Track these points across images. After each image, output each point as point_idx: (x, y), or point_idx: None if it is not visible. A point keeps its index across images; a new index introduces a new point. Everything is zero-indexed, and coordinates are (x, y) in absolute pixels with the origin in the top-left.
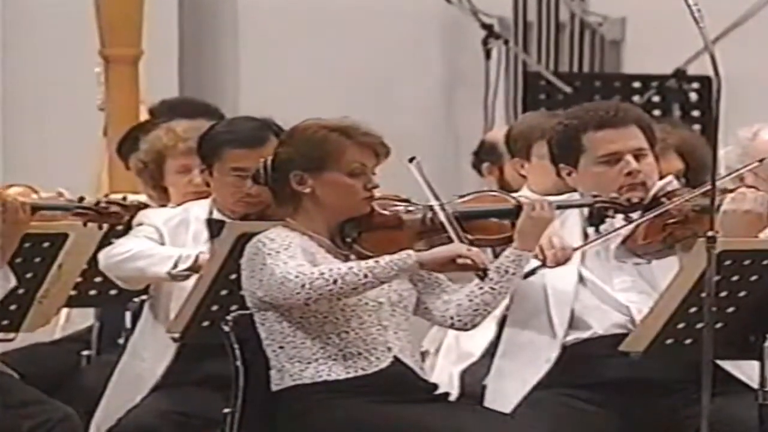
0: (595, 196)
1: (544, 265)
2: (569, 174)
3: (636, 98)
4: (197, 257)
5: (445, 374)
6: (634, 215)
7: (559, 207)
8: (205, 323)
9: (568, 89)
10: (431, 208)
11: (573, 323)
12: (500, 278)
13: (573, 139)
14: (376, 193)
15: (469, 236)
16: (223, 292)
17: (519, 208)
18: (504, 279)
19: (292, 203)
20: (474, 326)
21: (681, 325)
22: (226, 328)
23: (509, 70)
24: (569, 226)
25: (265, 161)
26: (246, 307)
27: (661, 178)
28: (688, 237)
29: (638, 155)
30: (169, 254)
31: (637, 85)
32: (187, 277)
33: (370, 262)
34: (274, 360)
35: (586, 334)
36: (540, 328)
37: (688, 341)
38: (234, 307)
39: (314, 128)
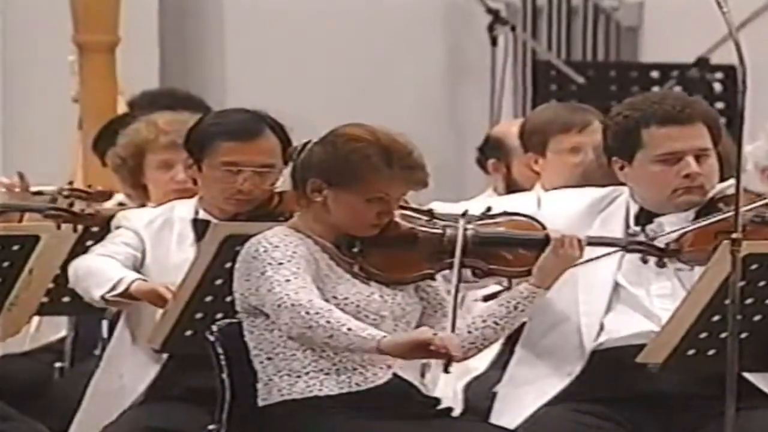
0: (631, 235)
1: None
2: (621, 168)
3: (654, 89)
4: (130, 284)
5: (448, 388)
6: (683, 221)
7: (590, 243)
8: (188, 333)
9: (580, 79)
10: (452, 225)
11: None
12: (507, 313)
13: (632, 132)
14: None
15: (483, 264)
16: (208, 299)
17: (546, 240)
18: (511, 315)
19: (303, 202)
20: (465, 358)
21: (703, 335)
22: (211, 338)
23: (517, 58)
24: (612, 225)
25: (306, 143)
26: (232, 315)
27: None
28: None
29: (700, 155)
30: (110, 276)
31: (655, 74)
32: (119, 303)
33: (347, 325)
34: (262, 372)
35: (607, 341)
36: (566, 335)
37: (710, 352)
38: (219, 316)
39: (359, 142)
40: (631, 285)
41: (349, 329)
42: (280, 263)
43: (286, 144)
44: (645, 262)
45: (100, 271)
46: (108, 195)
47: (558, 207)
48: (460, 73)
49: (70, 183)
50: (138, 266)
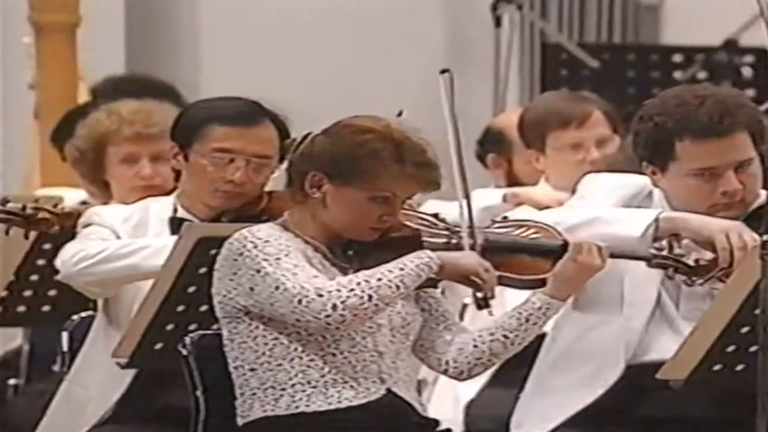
0: (657, 249)
1: (730, 267)
2: (653, 173)
3: (677, 74)
4: None
5: (446, 407)
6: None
7: (612, 256)
8: (158, 346)
9: (595, 63)
10: (459, 230)
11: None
12: (518, 326)
13: (665, 143)
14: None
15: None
16: (180, 308)
17: (564, 247)
18: (522, 328)
19: (299, 197)
20: (470, 377)
21: (730, 348)
22: (184, 351)
23: (524, 40)
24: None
25: (307, 135)
26: (207, 326)
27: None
28: None
29: (741, 165)
30: (162, 242)
31: (678, 58)
32: None
33: (395, 268)
34: (243, 386)
35: (644, 356)
36: (605, 340)
37: (739, 367)
38: (193, 326)
39: (368, 135)
40: (670, 299)
41: (401, 268)
42: (278, 258)
43: (284, 136)
44: (671, 278)
45: (138, 243)
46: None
47: (599, 197)
48: (460, 57)
49: (36, 201)
50: None
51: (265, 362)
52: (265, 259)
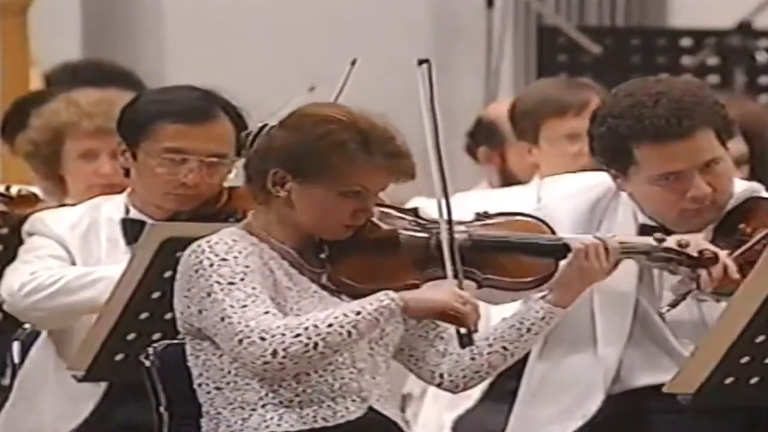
0: (658, 240)
1: (698, 288)
2: (616, 178)
3: (686, 60)
4: None
5: (433, 424)
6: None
7: (623, 252)
8: (119, 357)
9: (596, 49)
10: (439, 231)
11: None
12: (518, 337)
13: (621, 149)
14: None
15: (478, 274)
16: (143, 316)
17: (564, 247)
18: (523, 339)
19: (261, 198)
20: (465, 389)
21: (744, 360)
22: (147, 363)
23: (518, 23)
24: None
25: (262, 126)
26: (172, 336)
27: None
28: None
29: (708, 165)
30: (118, 274)
31: (687, 42)
32: None
33: (351, 312)
34: (208, 405)
35: (629, 379)
36: (581, 366)
37: (753, 380)
38: (157, 336)
39: (331, 126)
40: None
41: (358, 312)
42: (231, 282)
43: (241, 131)
44: (673, 272)
45: (95, 273)
46: (34, 200)
47: (560, 205)
48: (449, 41)
49: None
50: None
51: (232, 381)
52: (218, 282)
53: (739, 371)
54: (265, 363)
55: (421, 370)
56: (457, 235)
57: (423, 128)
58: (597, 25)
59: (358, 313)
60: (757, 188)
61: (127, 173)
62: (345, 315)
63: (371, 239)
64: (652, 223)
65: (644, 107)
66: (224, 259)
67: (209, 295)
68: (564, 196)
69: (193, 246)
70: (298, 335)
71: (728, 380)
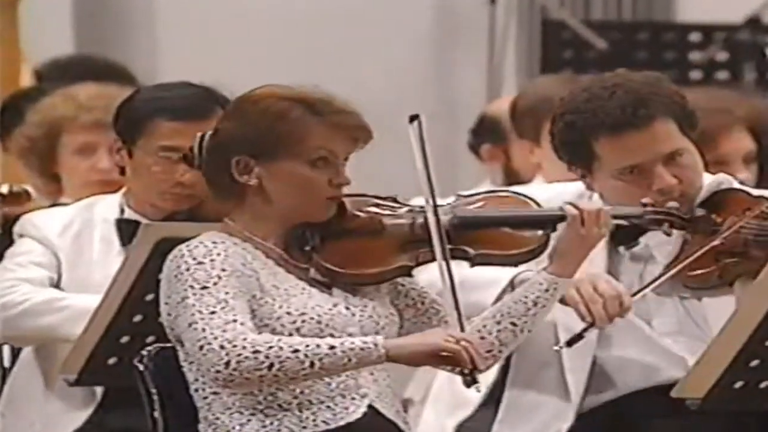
0: (647, 204)
1: (593, 325)
2: (583, 177)
3: (695, 55)
4: None
5: (434, 429)
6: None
7: (615, 217)
8: (112, 360)
9: (602, 44)
10: (423, 211)
11: (594, 378)
12: (526, 311)
13: (581, 144)
14: (347, 189)
15: (470, 251)
16: (137, 319)
17: (558, 219)
18: (530, 312)
19: (234, 197)
20: (480, 372)
21: (753, 363)
22: (141, 367)
23: (522, 17)
24: None
25: (202, 136)
26: (166, 339)
27: (721, 164)
28: (752, 272)
29: (672, 157)
30: (86, 306)
31: (696, 38)
32: None
33: (325, 344)
34: (205, 410)
35: (607, 395)
36: (548, 386)
37: (763, 384)
38: (151, 339)
39: (270, 99)
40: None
41: (331, 347)
42: (204, 287)
43: None
44: (668, 234)
45: (63, 301)
46: (25, 198)
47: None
48: (451, 35)
49: None
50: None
51: None
52: (192, 287)
53: (748, 375)
54: (217, 372)
55: None
56: (442, 216)
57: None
58: (603, 20)
59: (332, 347)
60: (724, 180)
61: (122, 171)
62: (317, 346)
63: (356, 225)
64: (625, 223)
65: (600, 100)
66: (200, 263)
67: (183, 300)
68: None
69: (175, 251)
70: (257, 351)
71: (737, 384)
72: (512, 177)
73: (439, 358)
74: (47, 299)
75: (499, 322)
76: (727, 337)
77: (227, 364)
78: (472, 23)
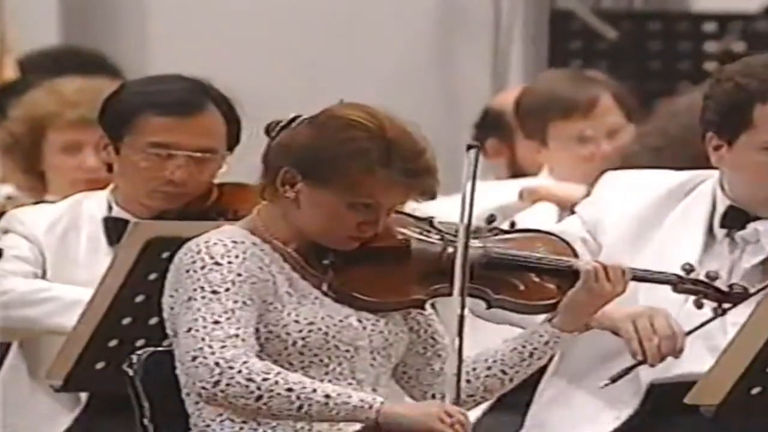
0: (685, 271)
1: (643, 362)
2: (717, 148)
3: (710, 45)
4: None
5: None
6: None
7: (635, 279)
8: (100, 365)
9: (612, 34)
10: (454, 242)
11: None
12: (520, 361)
13: (742, 107)
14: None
15: (490, 293)
16: (126, 321)
17: (575, 274)
18: (524, 363)
19: (269, 194)
20: None
21: None
22: (130, 372)
23: (529, 6)
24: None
25: (294, 119)
26: (157, 342)
27: None
28: None
29: None
30: (75, 298)
31: (711, 27)
32: None
33: (321, 391)
34: (197, 417)
35: (668, 375)
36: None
37: None
38: (140, 343)
39: (357, 133)
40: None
41: (327, 395)
42: (215, 291)
43: (233, 124)
44: (699, 307)
45: (50, 292)
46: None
47: (625, 193)
48: (455, 25)
49: None
50: None
51: None
52: (202, 288)
53: (765, 381)
54: (203, 388)
55: (413, 388)
56: (472, 250)
57: (423, 114)
58: (613, 9)
59: (327, 396)
60: None
61: (110, 168)
62: (313, 390)
63: (380, 250)
64: (739, 205)
65: None
66: (217, 264)
67: (189, 300)
68: (622, 190)
69: (191, 244)
70: (250, 380)
71: (754, 390)
72: (516, 173)
73: None
74: (34, 289)
75: (489, 368)
76: (743, 342)
77: (216, 383)
78: (476, 12)
